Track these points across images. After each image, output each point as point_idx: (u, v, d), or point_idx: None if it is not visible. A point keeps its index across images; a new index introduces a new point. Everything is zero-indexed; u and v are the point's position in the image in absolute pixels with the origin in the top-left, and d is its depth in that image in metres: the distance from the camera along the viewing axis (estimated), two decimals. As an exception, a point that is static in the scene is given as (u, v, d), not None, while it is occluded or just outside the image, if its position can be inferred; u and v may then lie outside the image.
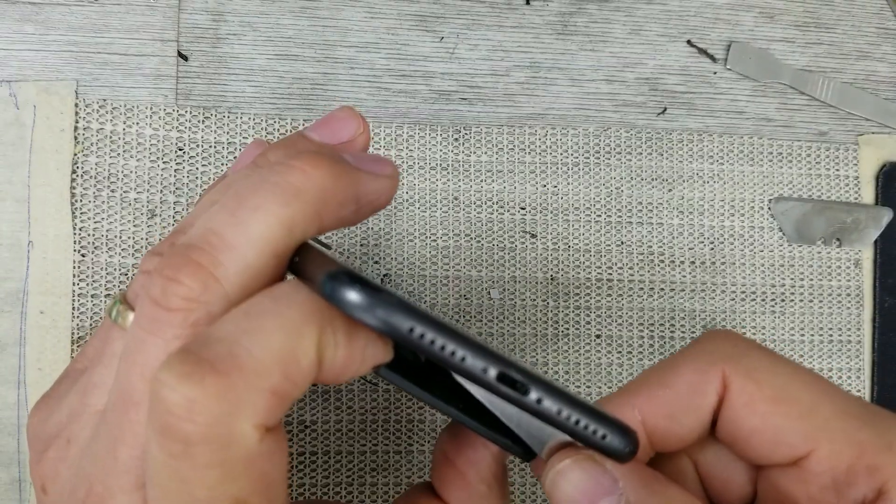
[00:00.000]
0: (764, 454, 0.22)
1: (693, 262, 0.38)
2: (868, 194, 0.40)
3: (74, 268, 0.33)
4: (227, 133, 0.35)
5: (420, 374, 0.22)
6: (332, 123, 0.23)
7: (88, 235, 0.34)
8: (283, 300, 0.18)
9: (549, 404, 0.20)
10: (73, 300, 0.33)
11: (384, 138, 0.36)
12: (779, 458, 0.22)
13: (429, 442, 0.36)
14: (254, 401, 0.17)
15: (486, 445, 0.23)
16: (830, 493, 0.22)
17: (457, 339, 0.19)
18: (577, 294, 0.37)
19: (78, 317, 0.33)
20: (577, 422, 0.20)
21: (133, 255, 0.34)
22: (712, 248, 0.39)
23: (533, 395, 0.20)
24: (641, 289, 0.38)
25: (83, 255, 0.33)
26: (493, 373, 0.19)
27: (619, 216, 0.38)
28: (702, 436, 0.23)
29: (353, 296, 0.17)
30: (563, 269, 0.37)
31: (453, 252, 0.36)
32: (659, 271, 0.38)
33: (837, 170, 0.40)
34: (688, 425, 0.23)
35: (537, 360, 0.37)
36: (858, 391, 0.39)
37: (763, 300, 0.39)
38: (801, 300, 0.39)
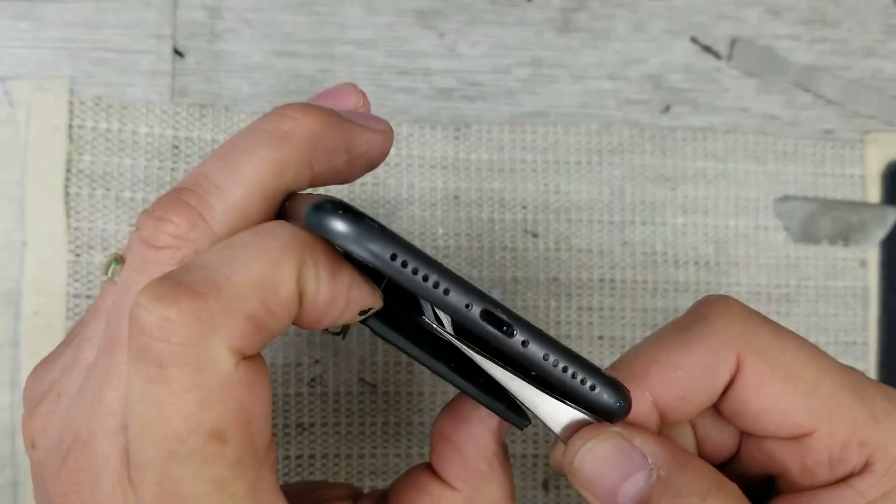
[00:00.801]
0: (769, 430, 0.22)
1: (697, 263, 0.38)
2: (874, 193, 0.40)
3: (69, 268, 0.33)
4: (224, 131, 0.35)
5: (413, 334, 0.21)
6: (334, 95, 0.23)
7: (83, 235, 0.33)
8: (265, 233, 0.19)
9: (536, 349, 0.19)
10: (68, 300, 0.33)
11: (383, 136, 0.36)
12: (782, 433, 0.22)
13: (428, 445, 0.35)
14: (229, 324, 0.17)
15: (484, 422, 0.23)
16: (824, 467, 0.22)
17: (440, 271, 0.18)
18: (580, 295, 0.37)
19: (72, 317, 0.33)
20: (565, 369, 0.19)
21: (128, 254, 0.34)
22: (716, 248, 0.38)
23: (518, 338, 0.19)
24: (644, 289, 0.37)
25: (77, 255, 0.33)
26: (476, 310, 0.18)
27: (622, 216, 0.37)
28: (707, 408, 0.23)
29: (335, 222, 0.18)
30: (565, 270, 0.37)
31: (454, 252, 0.36)
32: (662, 272, 0.38)
33: (843, 169, 0.39)
34: (697, 404, 0.23)
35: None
36: (864, 393, 0.39)
37: (768, 301, 0.38)
38: (807, 301, 0.39)
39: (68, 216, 0.33)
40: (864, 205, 0.39)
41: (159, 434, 0.17)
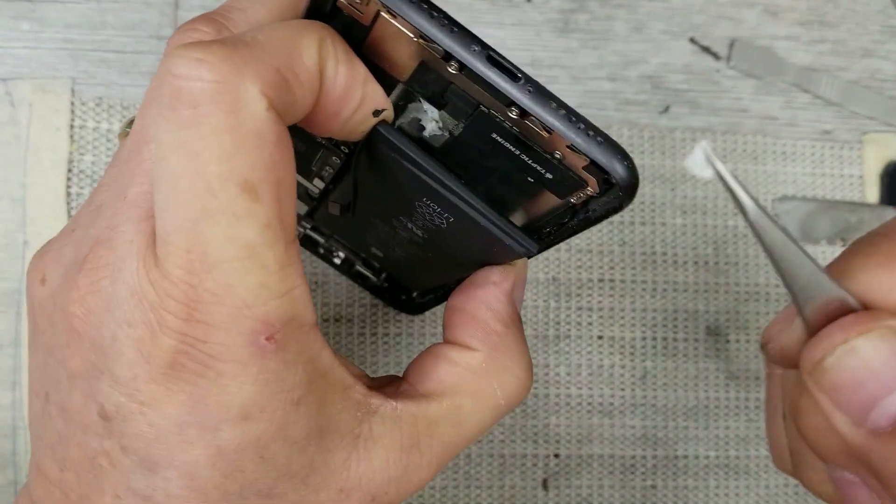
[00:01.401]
0: None
1: (696, 263, 0.38)
2: (872, 194, 0.40)
3: (70, 268, 0.33)
4: (225, 131, 0.35)
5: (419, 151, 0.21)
6: None
7: (84, 235, 0.33)
8: (284, 21, 0.19)
9: (541, 96, 0.19)
10: (69, 300, 0.33)
11: (384, 137, 0.36)
12: None
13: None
14: (259, 67, 0.17)
15: (498, 285, 0.23)
16: None
17: (447, 14, 0.18)
18: (579, 295, 0.37)
19: (74, 317, 0.33)
20: (571, 119, 0.19)
21: (129, 254, 0.34)
22: (715, 248, 0.38)
23: (523, 84, 0.18)
24: (644, 289, 0.37)
25: (79, 255, 0.33)
26: (482, 52, 0.18)
27: (622, 216, 0.37)
28: None
29: None
30: (564, 270, 0.37)
31: (453, 252, 0.36)
32: (662, 271, 0.38)
33: (842, 169, 0.40)
34: None
35: (538, 361, 0.36)
36: (863, 392, 0.39)
37: (767, 300, 0.38)
38: (805, 301, 0.39)
39: (69, 216, 0.33)
40: (863, 205, 0.39)
41: (190, 188, 0.17)
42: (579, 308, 0.37)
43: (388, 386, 0.23)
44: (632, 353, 0.37)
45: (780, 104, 0.39)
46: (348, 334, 0.35)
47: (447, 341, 0.23)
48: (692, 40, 0.39)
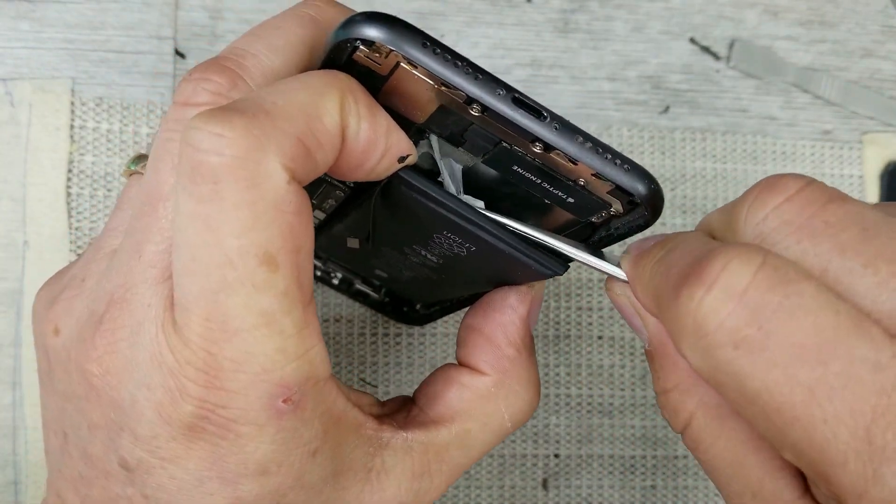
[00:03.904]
0: None
1: (696, 263, 0.38)
2: (872, 194, 0.40)
3: (70, 268, 0.33)
4: (225, 131, 0.35)
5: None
6: None
7: (84, 235, 0.33)
8: (305, 74, 0.19)
9: (568, 132, 0.19)
10: (69, 300, 0.33)
11: (384, 137, 0.36)
12: None
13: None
14: (280, 140, 0.17)
15: (515, 309, 0.23)
16: None
17: (469, 60, 0.18)
18: (579, 295, 0.37)
19: (74, 317, 0.33)
20: (598, 151, 0.19)
21: (130, 254, 0.34)
22: (715, 248, 0.38)
23: (550, 122, 0.19)
24: (644, 289, 0.37)
25: (79, 255, 0.33)
26: (508, 95, 0.18)
27: (622, 216, 0.37)
28: None
29: (364, 24, 0.18)
30: (564, 270, 0.37)
31: (453, 252, 0.36)
32: (661, 271, 0.38)
33: (842, 169, 0.40)
34: None
35: (538, 361, 0.36)
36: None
37: (766, 301, 0.38)
38: (805, 301, 0.39)
39: (70, 216, 0.33)
40: (863, 205, 0.39)
41: (209, 259, 0.17)
42: (579, 308, 0.37)
43: (399, 412, 0.23)
44: (632, 353, 0.37)
45: (780, 104, 0.39)
46: (348, 334, 0.35)
47: (459, 362, 0.24)
48: (692, 40, 0.39)
